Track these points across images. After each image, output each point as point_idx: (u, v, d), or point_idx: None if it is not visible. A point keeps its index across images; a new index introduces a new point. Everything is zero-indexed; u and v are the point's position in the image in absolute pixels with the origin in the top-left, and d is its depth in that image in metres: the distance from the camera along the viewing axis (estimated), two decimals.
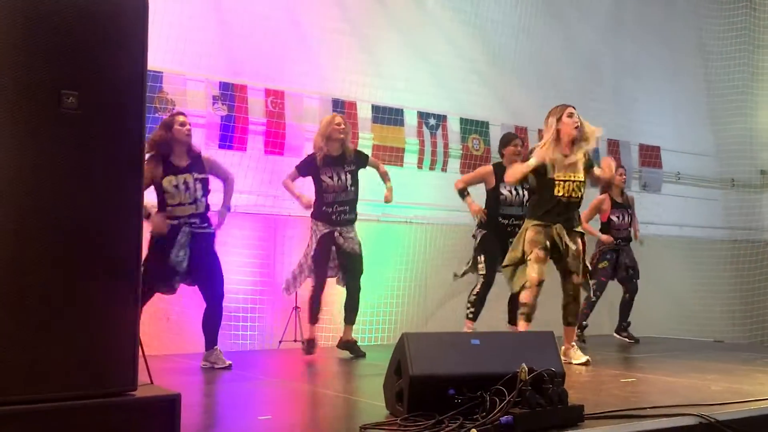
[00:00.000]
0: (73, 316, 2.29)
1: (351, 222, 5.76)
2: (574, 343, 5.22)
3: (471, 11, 9.18)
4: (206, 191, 5.01)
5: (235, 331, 6.84)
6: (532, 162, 5.07)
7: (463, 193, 6.17)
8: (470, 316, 6.05)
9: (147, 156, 4.86)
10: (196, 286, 5.02)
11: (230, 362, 4.92)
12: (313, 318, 5.70)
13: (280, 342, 7.15)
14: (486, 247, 6.07)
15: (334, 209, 5.67)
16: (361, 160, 5.87)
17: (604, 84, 10.13)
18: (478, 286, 6.07)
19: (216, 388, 4.41)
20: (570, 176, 5.05)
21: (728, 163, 11.14)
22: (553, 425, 2.81)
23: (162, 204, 4.90)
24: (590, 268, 6.74)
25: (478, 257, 6.10)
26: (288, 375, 5.10)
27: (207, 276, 4.95)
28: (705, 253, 10.20)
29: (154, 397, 2.43)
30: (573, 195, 5.08)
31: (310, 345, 5.70)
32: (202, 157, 5.10)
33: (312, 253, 5.66)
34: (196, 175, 4.94)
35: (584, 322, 6.85)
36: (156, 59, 6.62)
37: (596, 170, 5.26)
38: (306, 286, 5.83)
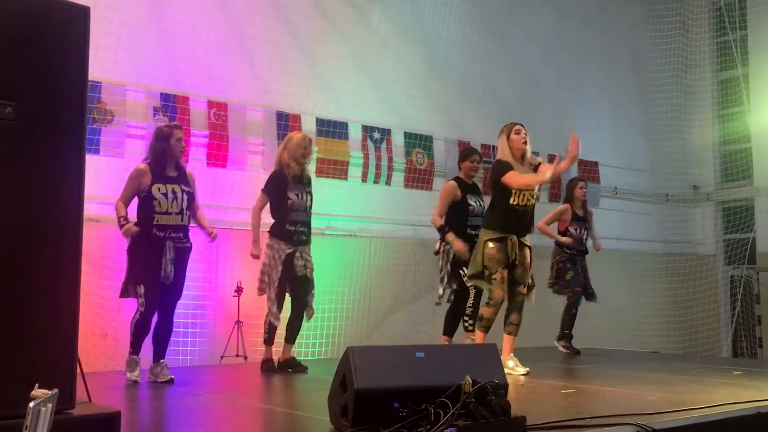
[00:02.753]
0: (7, 330, 2.22)
1: (309, 243, 5.65)
2: (513, 354, 5.31)
3: (415, 27, 9.29)
4: (191, 205, 5.02)
5: (176, 347, 6.71)
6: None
7: (443, 228, 6.04)
8: (470, 328, 6.04)
9: (142, 165, 4.91)
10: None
11: (173, 376, 4.86)
12: (271, 339, 5.62)
13: (222, 357, 7.05)
14: (462, 259, 5.96)
15: (297, 228, 5.52)
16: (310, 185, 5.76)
17: (545, 100, 10.35)
18: (472, 298, 6.06)
19: (157, 404, 4.32)
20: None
21: (663, 178, 11.52)
22: None
23: (148, 214, 4.84)
24: (554, 282, 6.87)
25: (460, 271, 5.99)
26: (231, 390, 5.02)
27: (172, 289, 4.92)
28: (641, 266, 10.49)
29: (93, 416, 2.36)
30: (528, 204, 5.27)
31: (269, 365, 5.61)
32: (186, 172, 5.12)
33: (279, 275, 5.46)
34: (183, 187, 4.97)
35: (567, 332, 6.90)
36: (94, 69, 6.46)
37: (545, 164, 5.37)
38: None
